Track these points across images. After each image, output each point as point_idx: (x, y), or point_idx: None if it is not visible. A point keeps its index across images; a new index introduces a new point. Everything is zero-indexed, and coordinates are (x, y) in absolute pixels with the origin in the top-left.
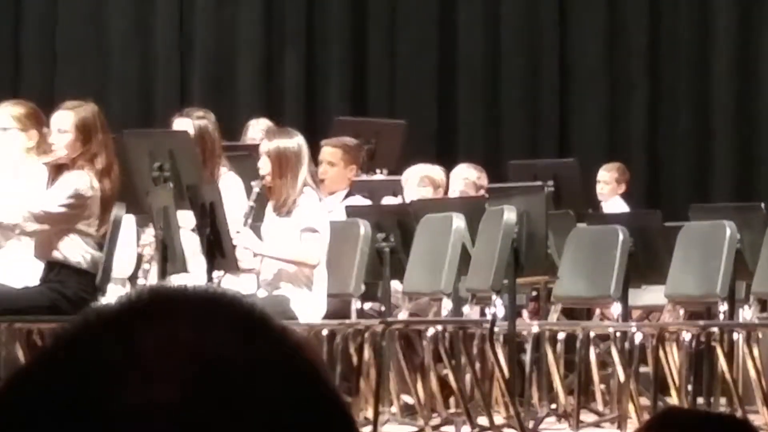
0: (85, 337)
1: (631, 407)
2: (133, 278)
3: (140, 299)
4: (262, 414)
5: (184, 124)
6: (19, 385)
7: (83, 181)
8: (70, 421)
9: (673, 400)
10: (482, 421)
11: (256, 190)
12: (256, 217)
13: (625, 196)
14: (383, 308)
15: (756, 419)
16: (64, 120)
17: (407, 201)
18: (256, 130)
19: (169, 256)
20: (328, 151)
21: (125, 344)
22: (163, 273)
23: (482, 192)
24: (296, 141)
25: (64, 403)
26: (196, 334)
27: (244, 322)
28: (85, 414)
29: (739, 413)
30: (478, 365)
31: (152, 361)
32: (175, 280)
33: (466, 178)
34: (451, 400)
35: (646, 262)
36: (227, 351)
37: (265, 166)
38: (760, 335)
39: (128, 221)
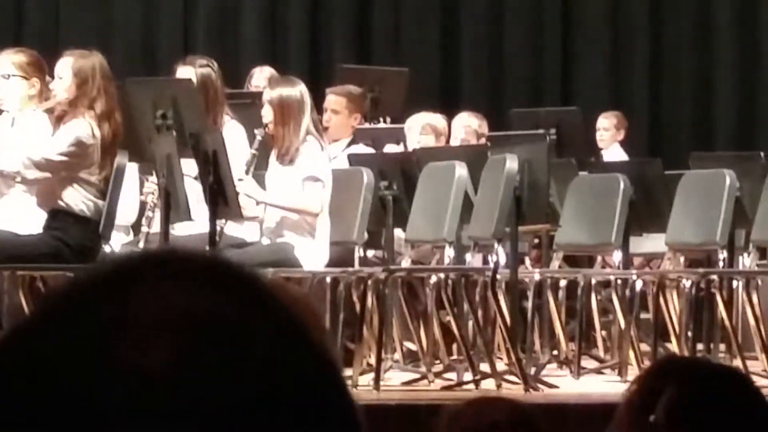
0: (78, 301)
1: (631, 354)
2: (136, 226)
3: (133, 262)
4: (253, 376)
5: (187, 72)
6: (9, 349)
7: (84, 128)
8: (63, 383)
9: (673, 346)
10: (484, 367)
11: (258, 138)
12: (259, 166)
13: (626, 144)
14: (386, 256)
15: (754, 365)
16: (63, 66)
17: (410, 149)
18: (260, 78)
19: (172, 204)
20: (333, 99)
21: (118, 308)
22: (167, 221)
23: (483, 140)
24: (299, 89)
25: (55, 367)
26: (188, 296)
27: (235, 284)
28: (79, 377)
29: (738, 359)
30: (480, 312)
31: (145, 325)
32: (179, 228)
33: (468, 126)
34: (454, 346)
35: (647, 210)
36: (219, 314)
37: (267, 114)
38: (760, 282)
39: (131, 169)
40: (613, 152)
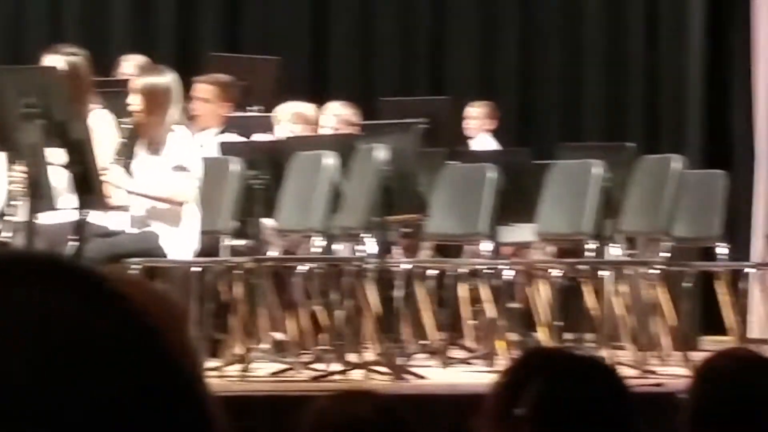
0: None
1: (500, 343)
2: (1, 215)
3: None
4: (94, 381)
5: (54, 60)
6: None
7: None
8: None
9: (542, 335)
10: (353, 358)
11: (126, 127)
12: (129, 154)
13: (497, 134)
14: (255, 245)
15: (623, 355)
16: None
17: (279, 138)
18: (129, 65)
19: (37, 193)
20: (202, 87)
21: None
22: (33, 210)
23: (354, 129)
24: (167, 78)
25: None
26: (36, 302)
27: (84, 287)
28: None
29: (606, 349)
30: (349, 302)
31: None
32: (44, 217)
33: (338, 114)
34: (322, 336)
35: (516, 200)
36: (68, 320)
37: (135, 102)
38: (628, 272)
39: None
40: (480, 141)
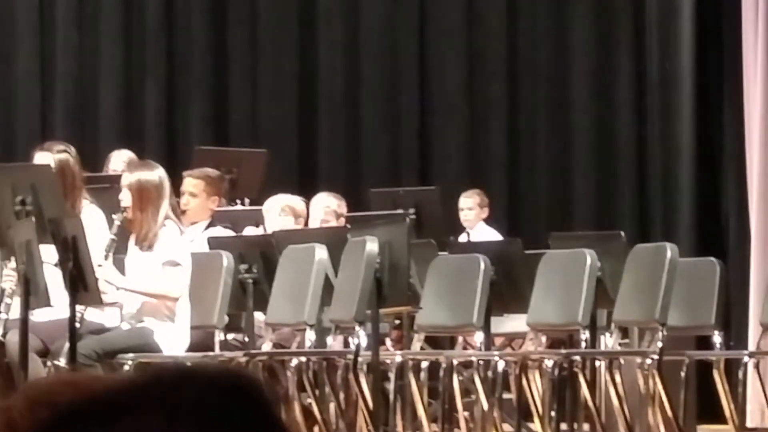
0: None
1: None
2: None
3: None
4: None
5: (44, 158)
6: None
7: None
8: None
9: (537, 426)
10: None
11: (116, 222)
12: (118, 250)
13: (488, 221)
14: (247, 339)
15: None
16: None
17: (269, 231)
18: (118, 161)
19: (31, 290)
20: (191, 182)
21: None
22: (26, 307)
23: (342, 220)
24: (157, 174)
25: None
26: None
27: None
28: None
29: None
30: (342, 395)
31: None
32: (38, 314)
33: (327, 206)
34: (315, 429)
35: (508, 291)
36: None
37: (126, 198)
38: (622, 362)
39: None
40: (479, 231)
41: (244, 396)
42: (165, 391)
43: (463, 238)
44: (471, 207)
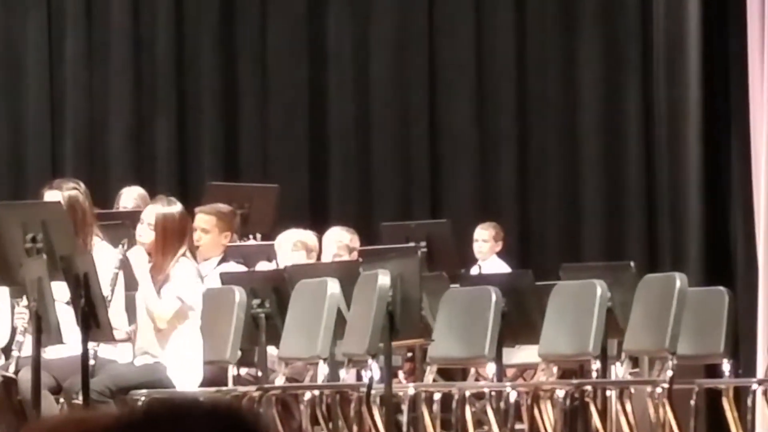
0: None
1: None
2: (6, 350)
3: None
4: None
5: (54, 196)
6: None
7: None
8: None
9: None
10: None
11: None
12: (130, 285)
13: (499, 254)
14: (260, 374)
15: None
16: None
17: (281, 266)
18: (129, 198)
19: (43, 327)
20: (203, 218)
21: None
22: (38, 345)
23: (355, 254)
24: (179, 210)
25: None
26: None
27: None
28: None
29: None
30: (355, 428)
31: None
32: (50, 352)
33: (339, 241)
34: None
35: (519, 322)
36: None
37: (146, 235)
38: (633, 391)
39: (2, 293)
40: (492, 262)
41: (243, 429)
42: (169, 428)
43: (474, 270)
44: (486, 239)
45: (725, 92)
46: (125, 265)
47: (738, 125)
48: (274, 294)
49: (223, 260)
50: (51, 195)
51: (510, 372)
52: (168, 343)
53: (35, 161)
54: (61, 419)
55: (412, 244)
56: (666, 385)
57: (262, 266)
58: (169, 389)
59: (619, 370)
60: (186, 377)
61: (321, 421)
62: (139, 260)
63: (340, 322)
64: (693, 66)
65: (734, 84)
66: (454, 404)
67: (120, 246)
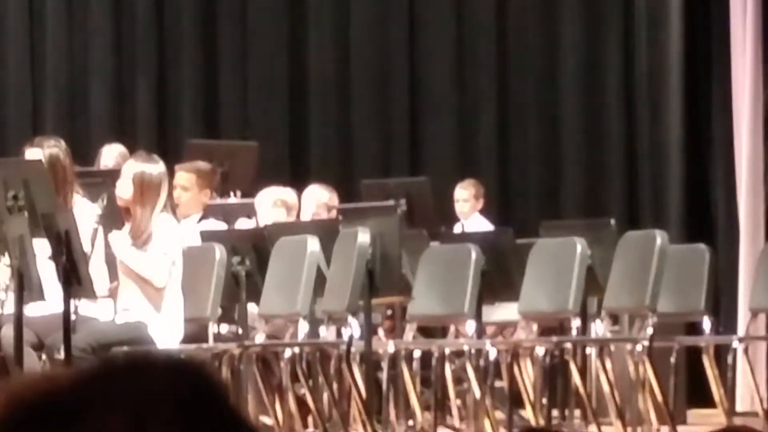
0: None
1: (486, 422)
2: None
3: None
4: None
5: (35, 153)
6: None
7: None
8: None
9: (528, 414)
10: None
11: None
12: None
13: (482, 212)
14: (240, 331)
15: (609, 431)
16: None
17: (261, 223)
18: (110, 155)
19: (25, 284)
20: (182, 176)
21: None
22: (20, 302)
23: (334, 212)
24: (160, 167)
25: None
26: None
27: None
28: None
29: (593, 426)
30: (335, 385)
31: None
32: (32, 309)
33: (318, 199)
34: (310, 419)
35: (499, 280)
36: None
37: (126, 190)
38: (612, 348)
39: None
40: (474, 220)
41: (204, 387)
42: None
43: (457, 229)
44: (467, 198)
45: (707, 49)
46: (105, 219)
47: (719, 82)
48: (254, 252)
49: (203, 218)
50: (32, 153)
51: (490, 329)
52: (148, 301)
53: (16, 119)
54: (40, 376)
55: (391, 202)
56: (646, 343)
57: (242, 224)
58: (150, 346)
59: (599, 328)
60: (167, 334)
61: (301, 378)
62: (120, 242)
63: (320, 279)
64: (674, 23)
65: (715, 41)
66: (433, 362)
67: (99, 200)
